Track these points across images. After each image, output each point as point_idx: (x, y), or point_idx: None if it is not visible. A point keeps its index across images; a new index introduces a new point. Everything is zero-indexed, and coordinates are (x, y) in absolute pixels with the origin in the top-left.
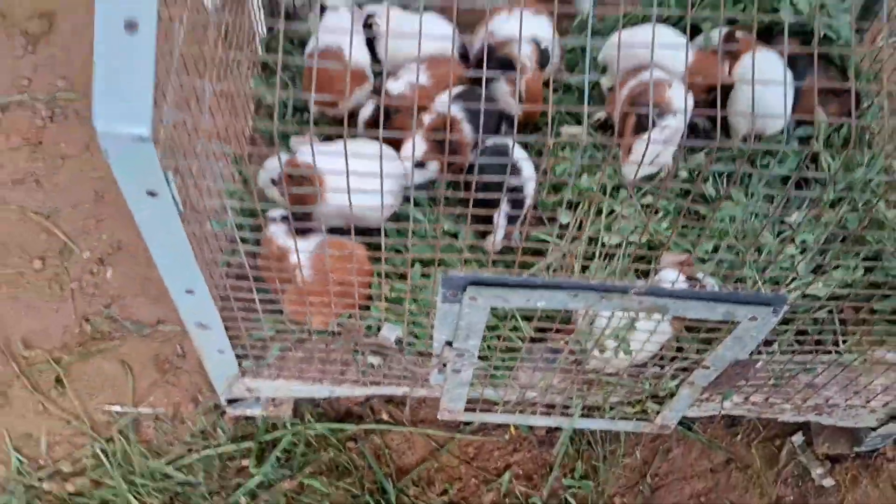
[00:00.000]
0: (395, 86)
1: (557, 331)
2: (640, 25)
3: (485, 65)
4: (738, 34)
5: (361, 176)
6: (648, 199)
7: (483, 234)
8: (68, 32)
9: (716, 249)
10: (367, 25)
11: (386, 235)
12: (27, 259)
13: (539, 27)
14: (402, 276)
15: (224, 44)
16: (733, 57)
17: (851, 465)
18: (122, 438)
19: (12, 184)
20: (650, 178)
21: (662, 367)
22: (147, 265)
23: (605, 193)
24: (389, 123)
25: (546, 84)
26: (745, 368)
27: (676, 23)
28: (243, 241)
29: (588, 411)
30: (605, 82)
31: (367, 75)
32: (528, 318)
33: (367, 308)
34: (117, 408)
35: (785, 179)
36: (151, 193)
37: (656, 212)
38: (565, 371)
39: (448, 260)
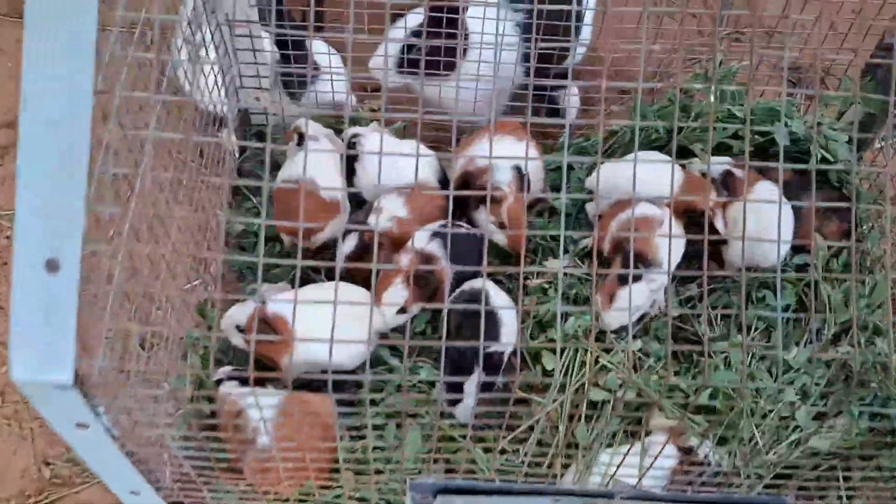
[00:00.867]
0: (375, 221)
1: None
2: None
3: (451, 186)
4: (737, 172)
5: (339, 321)
6: (637, 344)
7: (453, 402)
8: None
9: (713, 396)
10: (351, 146)
11: (359, 387)
12: None
13: (521, 154)
14: (376, 430)
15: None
16: (728, 192)
17: None
18: None
19: None
20: (639, 319)
21: None
22: None
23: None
24: (370, 260)
25: (530, 207)
26: None
27: (665, 145)
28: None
29: None
30: (591, 209)
31: (341, 207)
32: None
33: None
34: None
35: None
36: (81, 425)
37: (646, 355)
38: None
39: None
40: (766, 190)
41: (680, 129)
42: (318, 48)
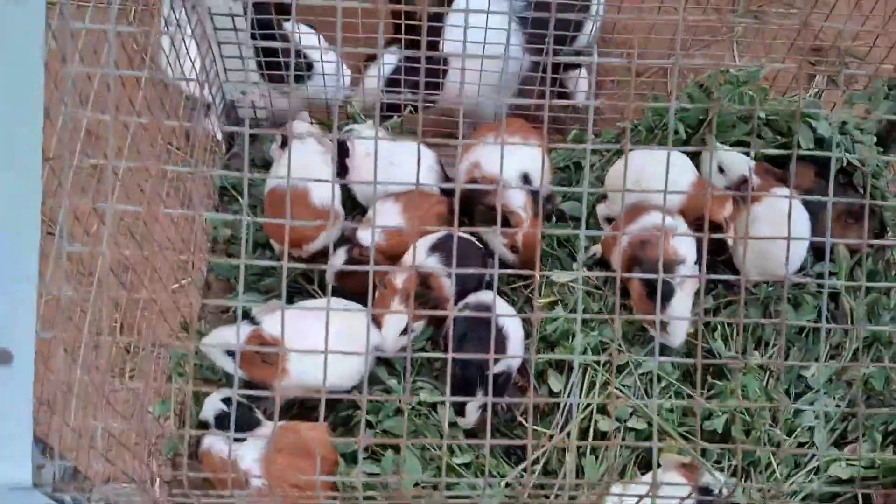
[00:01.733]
0: (367, 235)
1: None
2: (638, 150)
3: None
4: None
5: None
6: (647, 367)
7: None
8: None
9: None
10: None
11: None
12: None
13: (530, 158)
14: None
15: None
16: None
17: None
18: None
19: None
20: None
21: None
22: None
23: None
24: (360, 277)
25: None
26: None
27: (685, 141)
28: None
29: None
30: (602, 211)
31: (336, 213)
32: None
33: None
34: None
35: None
36: None
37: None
38: None
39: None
40: (785, 202)
41: (699, 125)
42: (307, 39)
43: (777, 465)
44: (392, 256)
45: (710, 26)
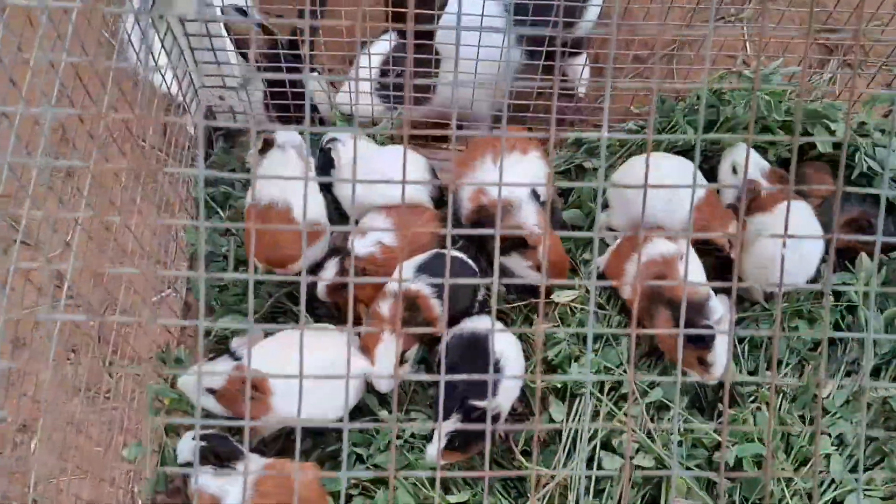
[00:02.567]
0: (361, 244)
1: None
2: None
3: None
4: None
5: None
6: (658, 393)
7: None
8: None
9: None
10: (325, 151)
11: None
12: None
13: (533, 172)
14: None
15: None
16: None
17: None
18: None
19: None
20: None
21: None
22: None
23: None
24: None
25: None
26: None
27: (690, 149)
28: None
29: None
30: (604, 220)
31: (322, 229)
32: None
33: None
34: None
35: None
36: None
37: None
38: None
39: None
40: (795, 211)
41: (710, 128)
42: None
43: (791, 498)
44: (387, 272)
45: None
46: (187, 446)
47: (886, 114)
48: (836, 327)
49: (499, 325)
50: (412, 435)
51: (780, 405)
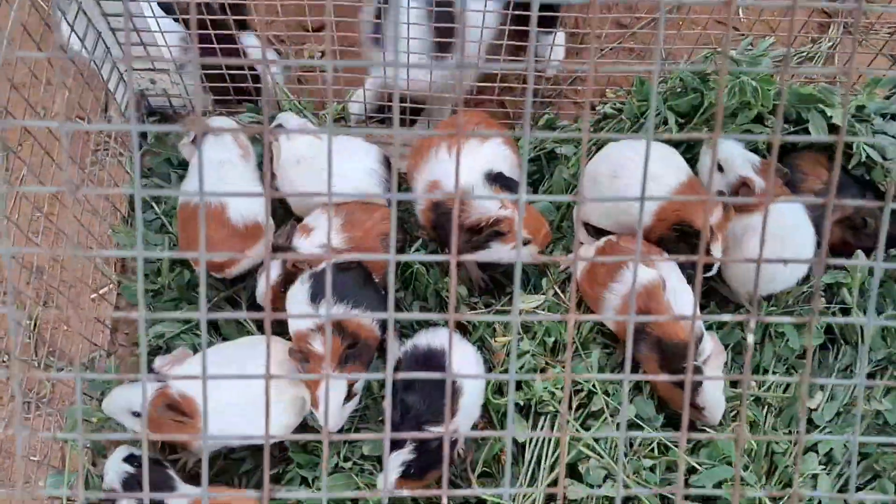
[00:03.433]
0: (305, 245)
1: None
2: (620, 142)
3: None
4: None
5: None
6: (632, 411)
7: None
8: None
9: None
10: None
11: (288, 463)
12: None
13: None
14: None
15: None
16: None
17: None
18: None
19: None
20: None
21: None
22: None
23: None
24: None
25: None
26: None
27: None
28: None
29: None
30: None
31: (261, 228)
32: None
33: None
34: None
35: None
36: None
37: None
38: None
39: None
40: (788, 210)
41: (692, 113)
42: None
43: None
44: None
45: None
46: (114, 469)
47: (889, 96)
48: (829, 331)
49: (457, 337)
50: (362, 456)
51: (765, 420)
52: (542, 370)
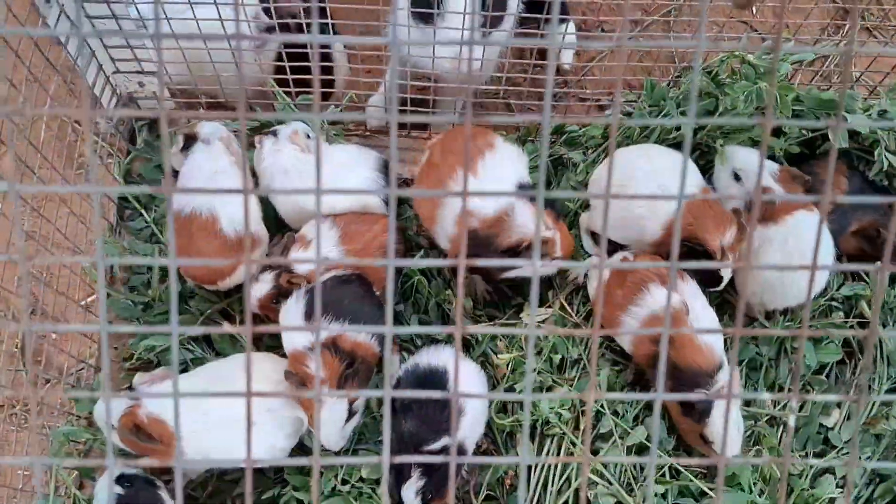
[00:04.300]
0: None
1: None
2: (629, 148)
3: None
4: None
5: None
6: (641, 434)
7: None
8: None
9: None
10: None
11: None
12: None
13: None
14: None
15: None
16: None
17: None
18: None
19: None
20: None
21: None
22: None
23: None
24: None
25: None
26: None
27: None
28: None
29: None
30: (586, 222)
31: (256, 238)
32: None
33: None
34: None
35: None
36: None
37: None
38: None
39: None
40: (809, 222)
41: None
42: None
43: None
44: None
45: None
46: (104, 491)
47: None
48: (846, 345)
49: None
50: (361, 479)
51: (780, 440)
52: (549, 389)
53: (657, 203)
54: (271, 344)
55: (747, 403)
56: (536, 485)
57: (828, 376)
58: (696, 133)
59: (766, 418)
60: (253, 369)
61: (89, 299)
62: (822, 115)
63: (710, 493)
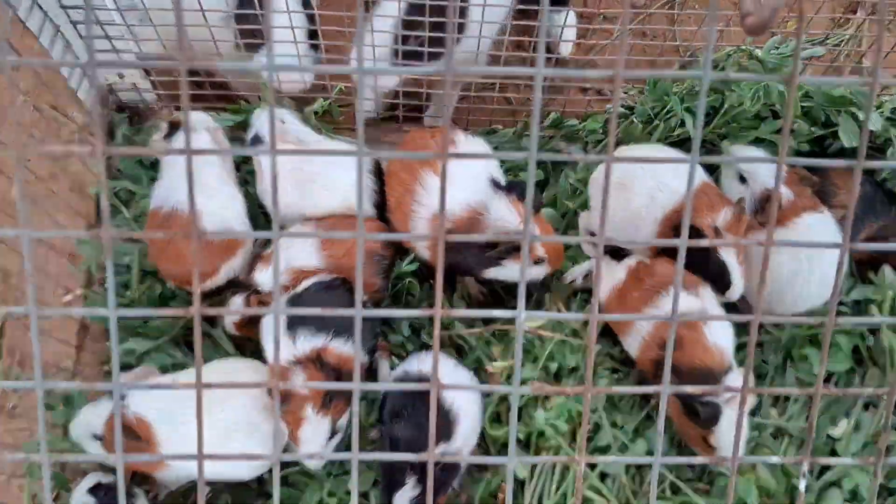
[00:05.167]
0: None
1: None
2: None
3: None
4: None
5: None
6: (642, 446)
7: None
8: None
9: None
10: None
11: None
12: None
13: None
14: None
15: None
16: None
17: None
18: None
19: None
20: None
21: None
22: None
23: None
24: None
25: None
26: None
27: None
28: None
29: None
30: (585, 222)
31: (238, 240)
32: None
33: None
34: None
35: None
36: None
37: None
38: None
39: None
40: (817, 224)
41: (710, 119)
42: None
43: None
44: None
45: None
46: (80, 500)
47: None
48: (856, 352)
49: (451, 361)
50: (347, 492)
51: (785, 451)
52: (545, 399)
53: (655, 199)
54: (254, 350)
55: (752, 412)
56: (531, 500)
57: (836, 385)
58: (704, 128)
59: (770, 430)
60: (235, 378)
61: (65, 299)
62: (831, 113)
63: None
